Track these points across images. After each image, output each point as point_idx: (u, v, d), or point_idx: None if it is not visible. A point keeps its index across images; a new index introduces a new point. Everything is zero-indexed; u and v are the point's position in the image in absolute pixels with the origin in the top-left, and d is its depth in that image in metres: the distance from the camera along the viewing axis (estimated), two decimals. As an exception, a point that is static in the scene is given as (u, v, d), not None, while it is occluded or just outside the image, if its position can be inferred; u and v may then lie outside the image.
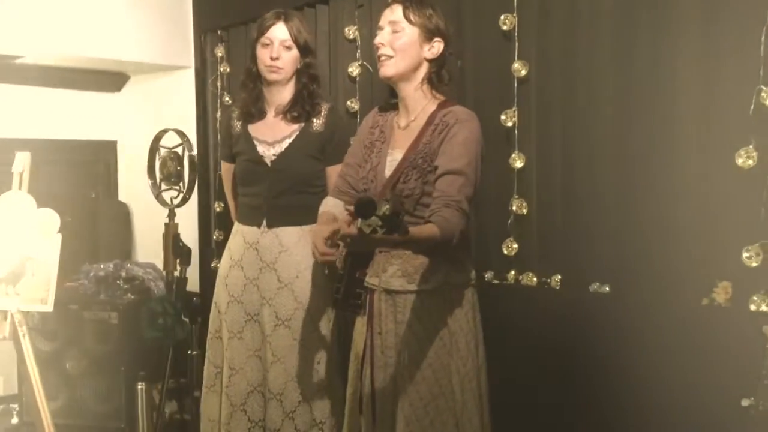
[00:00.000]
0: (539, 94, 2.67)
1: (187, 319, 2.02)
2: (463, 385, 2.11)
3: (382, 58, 2.18)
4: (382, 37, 2.18)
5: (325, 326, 2.67)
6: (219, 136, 2.96)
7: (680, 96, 2.33)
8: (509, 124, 2.71)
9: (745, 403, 2.09)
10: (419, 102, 2.20)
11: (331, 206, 2.29)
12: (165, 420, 2.47)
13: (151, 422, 3.44)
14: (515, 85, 2.70)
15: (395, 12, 2.17)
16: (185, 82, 4.14)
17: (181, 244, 2.23)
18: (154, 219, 4.30)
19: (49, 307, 3.28)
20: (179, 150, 2.28)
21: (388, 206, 1.63)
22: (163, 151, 2.31)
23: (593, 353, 2.48)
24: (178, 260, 2.18)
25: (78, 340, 3.59)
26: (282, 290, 2.64)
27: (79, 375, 3.61)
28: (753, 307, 2.18)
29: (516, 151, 2.71)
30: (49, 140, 4.17)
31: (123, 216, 4.35)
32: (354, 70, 3.24)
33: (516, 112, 2.70)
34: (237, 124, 2.78)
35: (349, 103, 3.27)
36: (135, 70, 4.35)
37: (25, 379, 3.40)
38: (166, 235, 2.21)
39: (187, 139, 2.31)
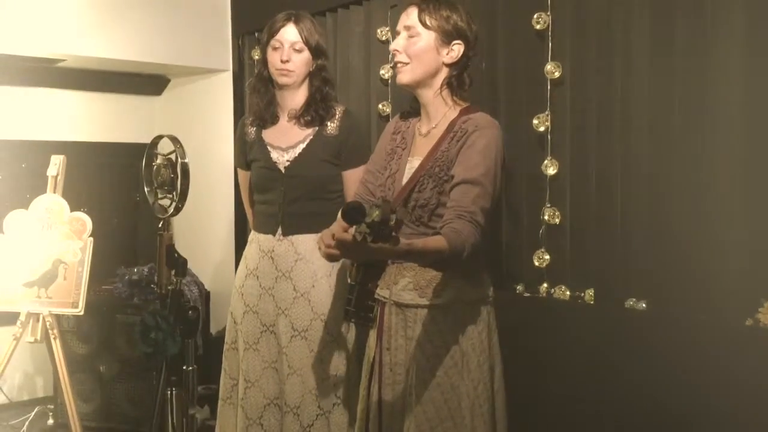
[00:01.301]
0: (573, 97, 2.53)
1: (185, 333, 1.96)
2: (474, 409, 1.98)
3: (398, 65, 2.07)
4: (397, 43, 2.08)
5: (343, 337, 2.58)
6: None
7: (723, 98, 2.16)
8: (542, 128, 2.58)
9: (788, 434, 1.92)
10: (440, 108, 2.09)
11: None
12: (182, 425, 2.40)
13: (181, 428, 3.41)
14: (548, 87, 2.56)
15: (410, 16, 2.06)
16: (224, 85, 4.13)
17: (176, 255, 2.17)
18: (194, 223, 4.33)
19: (79, 311, 3.30)
20: (173, 157, 2.21)
21: (377, 212, 1.52)
22: (158, 158, 2.25)
23: (628, 374, 2.33)
24: (172, 272, 2.12)
25: (111, 343, 3.59)
26: (298, 300, 2.56)
27: (112, 378, 3.61)
28: (801, 329, 2.01)
29: (549, 157, 2.57)
30: (92, 143, 4.21)
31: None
32: (386, 72, 3.15)
33: (549, 116, 2.57)
34: (251, 131, 2.71)
35: (380, 106, 3.18)
36: (175, 74, 4.36)
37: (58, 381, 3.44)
38: (159, 246, 2.15)
39: (180, 146, 2.24)
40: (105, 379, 3.62)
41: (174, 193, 2.17)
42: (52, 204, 3.32)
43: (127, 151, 4.35)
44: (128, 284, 3.60)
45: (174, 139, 2.25)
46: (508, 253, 2.73)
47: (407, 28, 2.06)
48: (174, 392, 3.46)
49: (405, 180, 2.06)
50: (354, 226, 1.59)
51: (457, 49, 2.05)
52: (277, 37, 2.57)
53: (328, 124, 2.60)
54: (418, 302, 2.02)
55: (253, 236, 2.68)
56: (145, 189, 2.31)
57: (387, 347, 2.05)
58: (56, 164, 3.38)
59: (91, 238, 3.31)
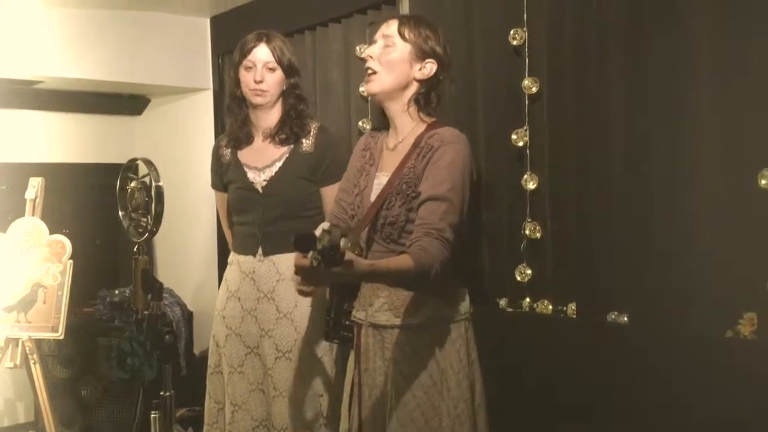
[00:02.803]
0: (551, 111, 2.53)
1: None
2: (454, 428, 1.96)
3: (369, 71, 2.07)
4: (371, 50, 2.08)
5: (328, 357, 2.57)
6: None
7: (699, 111, 2.17)
8: (520, 143, 2.58)
9: (771, 448, 1.91)
10: (407, 123, 2.09)
11: None
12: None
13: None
14: (526, 102, 2.57)
15: (390, 26, 2.07)
16: (204, 104, 4.12)
17: (152, 278, 2.15)
18: (176, 243, 4.30)
19: (59, 335, 3.26)
20: (147, 180, 2.20)
21: (326, 238, 1.51)
22: (133, 182, 2.23)
23: (610, 387, 2.33)
24: (149, 296, 2.10)
25: (93, 367, 3.55)
26: (281, 320, 2.54)
27: (94, 402, 3.57)
28: (781, 340, 2.01)
29: (528, 172, 2.57)
30: (72, 164, 4.18)
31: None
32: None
33: (527, 131, 2.57)
34: (226, 152, 2.70)
35: (360, 123, 3.18)
36: (155, 93, 4.35)
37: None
38: (135, 270, 2.13)
39: (154, 169, 2.23)
40: (87, 404, 3.58)
41: (148, 217, 2.14)
42: (30, 227, 3.29)
43: (108, 171, 4.27)
44: (109, 307, 3.57)
45: (148, 162, 2.24)
46: (490, 269, 2.72)
47: (385, 36, 2.06)
48: (158, 416, 3.44)
49: (373, 197, 2.05)
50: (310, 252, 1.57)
51: (430, 67, 2.05)
52: (250, 57, 2.57)
53: (304, 141, 2.60)
54: (393, 323, 2.01)
55: (233, 258, 2.66)
56: (120, 213, 2.29)
57: (365, 368, 2.03)
58: (35, 186, 3.35)
59: (71, 261, 3.28)
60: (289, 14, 3.56)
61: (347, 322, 2.07)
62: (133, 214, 2.21)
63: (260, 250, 2.57)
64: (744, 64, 2.05)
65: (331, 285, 2.05)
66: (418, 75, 2.05)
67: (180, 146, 4.23)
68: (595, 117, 2.42)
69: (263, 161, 2.61)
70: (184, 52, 4.02)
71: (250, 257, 2.59)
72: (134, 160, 2.35)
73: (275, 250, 2.55)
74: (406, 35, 2.03)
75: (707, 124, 2.15)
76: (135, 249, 2.20)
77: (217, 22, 4.06)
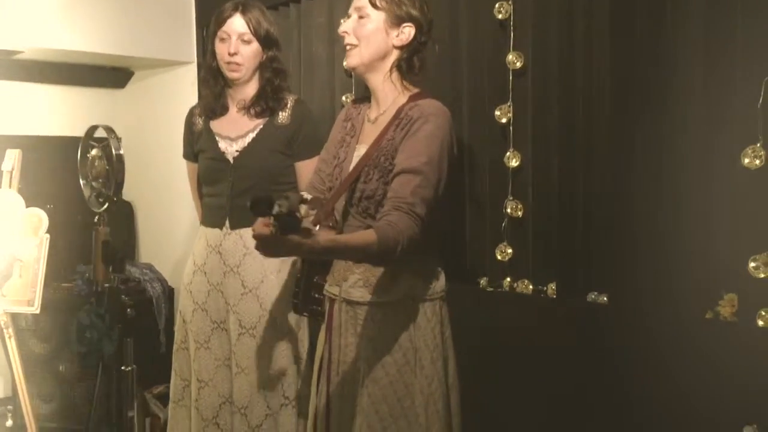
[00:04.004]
0: (536, 88, 2.48)
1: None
2: (428, 407, 1.93)
3: (347, 47, 2.02)
4: (346, 25, 2.02)
5: (294, 334, 2.51)
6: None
7: (683, 89, 2.13)
8: (504, 120, 2.53)
9: (747, 430, 1.88)
10: (389, 94, 2.03)
11: None
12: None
13: (143, 428, 3.34)
14: (510, 78, 2.51)
15: None
16: (189, 77, 4.05)
17: (113, 251, 2.10)
18: (159, 218, 4.25)
19: (35, 309, 3.20)
20: (108, 148, 2.13)
21: (285, 203, 1.45)
22: (93, 150, 2.17)
23: (589, 367, 2.30)
24: (110, 268, 2.04)
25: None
26: (246, 296, 2.48)
27: (72, 378, 3.53)
28: (761, 323, 1.98)
29: (511, 149, 2.53)
30: (53, 137, 4.11)
31: (126, 215, 4.27)
32: (349, 63, 3.08)
33: (511, 107, 2.52)
34: (199, 121, 2.64)
35: (344, 98, 3.12)
36: (139, 66, 4.27)
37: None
38: (95, 241, 2.07)
39: (115, 136, 2.16)
40: (65, 379, 3.54)
41: (109, 186, 2.08)
42: (6, 200, 3.23)
43: (90, 145, 4.26)
44: (87, 282, 3.52)
45: (109, 129, 2.16)
46: (471, 247, 2.68)
47: (357, 9, 2.01)
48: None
49: (351, 169, 2.00)
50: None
51: (408, 31, 1.99)
52: (224, 28, 2.50)
53: (280, 113, 2.53)
54: (367, 299, 1.96)
55: (201, 231, 2.61)
56: (81, 181, 2.22)
57: (337, 345, 1.99)
58: (11, 159, 3.28)
59: (47, 235, 3.22)
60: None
61: (317, 296, 2.02)
62: (93, 183, 2.14)
63: (227, 223, 2.50)
64: (729, 42, 2.01)
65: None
66: (397, 41, 2.00)
67: (164, 120, 4.16)
68: (580, 94, 2.37)
69: (236, 131, 2.54)
70: (167, 24, 3.94)
71: (217, 230, 2.53)
72: (95, 127, 2.27)
73: (243, 223, 2.47)
74: (378, 3, 1.97)
75: (691, 104, 2.11)
76: (96, 219, 2.13)
77: (201, -6, 3.97)
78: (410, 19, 1.98)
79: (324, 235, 1.62)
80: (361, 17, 1.99)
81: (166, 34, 3.94)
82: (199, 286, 2.55)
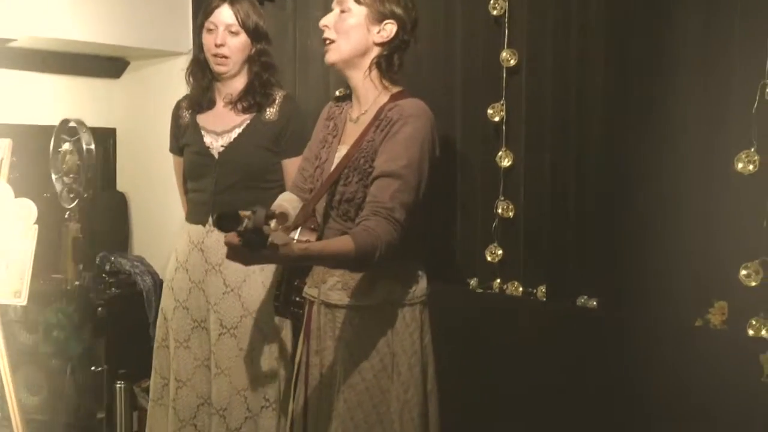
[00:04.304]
0: (530, 86, 2.44)
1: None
2: (403, 414, 1.88)
3: (326, 42, 1.96)
4: (327, 19, 1.96)
5: (277, 336, 2.45)
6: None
7: (678, 91, 2.09)
8: (496, 118, 2.49)
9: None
10: (370, 92, 1.97)
11: (286, 200, 2.09)
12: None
13: (129, 422, 3.31)
14: (504, 76, 2.47)
15: None
16: (185, 68, 3.99)
17: (84, 248, 2.06)
18: (153, 210, 4.21)
19: (22, 301, 3.15)
20: (79, 142, 2.08)
21: (249, 220, 1.41)
22: (65, 144, 2.12)
23: (578, 371, 2.27)
24: (81, 267, 2.00)
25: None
26: (228, 295, 2.42)
27: (60, 369, 3.49)
28: (751, 332, 1.94)
29: (503, 149, 2.49)
30: (46, 126, 4.06)
31: (120, 206, 4.23)
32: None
33: (504, 105, 2.48)
34: (185, 114, 2.59)
35: (338, 93, 3.07)
36: (135, 56, 4.22)
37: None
38: (65, 238, 2.03)
39: (87, 130, 2.11)
40: (54, 371, 3.50)
41: (80, 181, 2.02)
42: (-5, 189, 3.19)
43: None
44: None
45: (80, 123, 2.10)
46: (462, 247, 2.65)
47: (339, 3, 1.95)
48: (123, 386, 3.38)
49: (332, 171, 1.95)
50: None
51: (389, 28, 1.93)
52: (212, 18, 2.45)
53: (267, 109, 2.48)
54: (346, 302, 1.91)
55: (185, 227, 2.56)
56: (52, 176, 2.17)
57: (316, 349, 1.94)
58: (1, 149, 3.25)
59: (36, 226, 3.18)
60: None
61: (297, 299, 1.98)
62: (65, 178, 2.09)
63: (210, 220, 2.45)
64: (725, 46, 1.98)
65: None
66: (378, 38, 1.94)
67: (159, 111, 4.09)
68: (575, 94, 2.33)
69: (222, 126, 2.49)
70: (163, 14, 3.89)
71: (200, 227, 2.47)
72: (67, 120, 2.21)
73: None
74: None
75: (687, 102, 2.07)
76: (66, 215, 2.08)
77: (198, -15, 3.93)
78: (393, 16, 1.93)
79: (293, 245, 1.57)
80: (342, 11, 1.94)
81: (162, 24, 3.89)
82: (181, 284, 2.51)
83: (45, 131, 3.98)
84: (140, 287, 3.57)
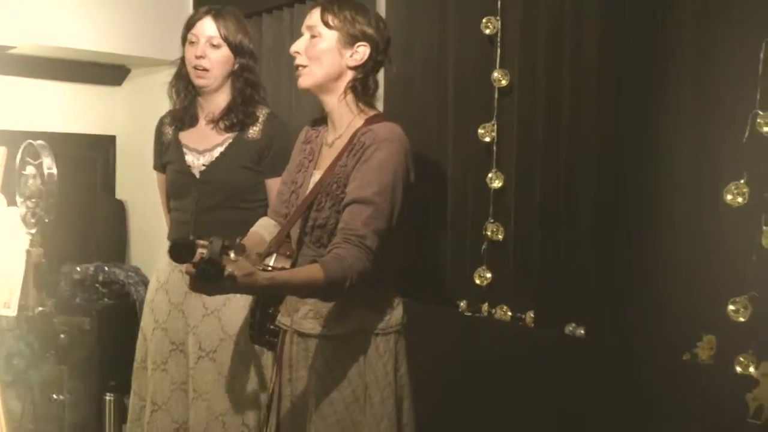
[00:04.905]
0: (521, 107, 2.38)
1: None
2: (374, 448, 1.84)
3: (298, 68, 1.93)
4: (297, 45, 1.93)
5: (257, 360, 2.39)
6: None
7: (669, 117, 2.02)
8: (487, 139, 2.44)
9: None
10: (345, 116, 1.93)
11: (262, 227, 2.06)
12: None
13: (119, 435, 3.30)
14: (495, 96, 2.42)
15: (313, 16, 1.91)
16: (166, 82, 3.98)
17: (44, 274, 2.02)
18: (151, 219, 4.19)
19: (12, 312, 3.14)
20: (41, 167, 2.05)
21: (208, 250, 1.38)
22: (28, 167, 2.09)
23: (563, 401, 2.21)
24: (44, 294, 1.97)
25: (53, 340, 3.45)
26: (208, 318, 2.38)
27: (53, 378, 3.48)
28: (738, 369, 1.87)
29: (494, 170, 2.44)
30: (47, 133, 4.05)
31: (119, 214, 4.23)
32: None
33: (495, 126, 2.43)
34: (168, 131, 2.55)
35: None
36: (135, 64, 4.22)
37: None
38: (27, 264, 2.00)
39: (49, 154, 2.07)
40: (45, 382, 3.48)
41: (41, 206, 1.99)
42: (-13, 198, 3.18)
43: (85, 142, 4.22)
44: (71, 283, 3.48)
45: (42, 147, 2.06)
46: (451, 269, 2.60)
47: (309, 28, 1.91)
48: (113, 398, 3.36)
49: (306, 196, 1.91)
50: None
51: (362, 51, 1.89)
52: (194, 30, 2.41)
53: (250, 128, 2.44)
54: (318, 331, 1.87)
55: (166, 246, 2.53)
56: (17, 199, 2.14)
57: (288, 378, 1.90)
58: (-4, 157, 3.24)
59: (27, 236, 3.17)
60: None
61: (272, 327, 1.94)
62: (28, 202, 2.05)
63: (190, 238, 2.41)
64: (717, 74, 1.91)
65: None
66: (351, 62, 1.90)
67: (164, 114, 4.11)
68: (567, 115, 2.27)
69: (204, 144, 2.45)
70: (164, 23, 3.88)
71: None
72: (30, 143, 2.16)
73: None
74: (331, 22, 1.88)
75: (677, 133, 2.01)
76: (29, 240, 2.04)
77: (199, -6, 3.91)
78: (365, 38, 1.89)
79: (257, 275, 1.53)
80: (313, 36, 1.90)
81: (163, 33, 3.87)
82: (161, 305, 2.47)
83: (45, 138, 3.99)
84: (133, 298, 3.56)
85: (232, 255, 1.41)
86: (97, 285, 3.49)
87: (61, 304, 3.46)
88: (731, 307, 1.86)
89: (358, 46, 1.89)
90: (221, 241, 1.41)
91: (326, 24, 1.88)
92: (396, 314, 1.93)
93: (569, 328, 2.26)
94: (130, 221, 4.28)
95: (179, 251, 1.40)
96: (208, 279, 1.40)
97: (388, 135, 1.83)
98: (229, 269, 1.42)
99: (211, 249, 1.38)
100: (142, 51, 3.89)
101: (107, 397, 3.30)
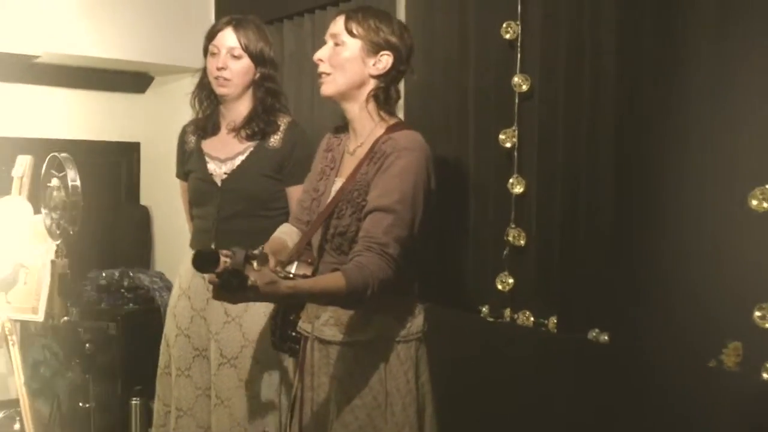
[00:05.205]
0: (542, 111, 2.37)
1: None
2: (396, 456, 1.84)
3: (321, 75, 1.93)
4: (321, 52, 1.93)
5: (278, 366, 2.41)
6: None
7: (692, 122, 2.00)
8: (508, 144, 2.43)
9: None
10: (366, 125, 1.93)
11: (284, 233, 2.07)
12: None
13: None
14: (516, 101, 2.41)
15: (337, 24, 1.92)
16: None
17: (71, 284, 2.04)
18: (175, 225, 4.23)
19: (39, 317, 3.18)
20: (65, 179, 2.07)
21: (231, 261, 1.39)
22: (53, 180, 2.11)
23: (587, 408, 2.19)
24: (68, 303, 1.99)
25: (78, 349, 3.50)
26: (229, 324, 2.39)
27: (79, 385, 3.52)
28: (765, 376, 1.85)
29: (515, 175, 2.43)
30: (71, 141, 4.11)
31: (143, 221, 4.27)
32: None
33: (516, 131, 2.42)
34: (191, 139, 2.57)
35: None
36: (159, 72, 4.26)
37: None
38: (52, 274, 2.02)
39: (73, 167, 2.10)
40: (71, 386, 3.53)
41: (66, 218, 2.01)
42: (15, 206, 3.22)
43: (109, 149, 4.28)
44: (97, 289, 3.52)
45: (66, 159, 2.09)
46: (473, 274, 2.59)
47: (333, 36, 1.92)
48: (139, 403, 3.39)
49: (327, 204, 1.92)
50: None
51: (385, 60, 1.90)
52: (215, 41, 2.43)
53: (272, 136, 2.45)
54: (339, 338, 1.87)
55: (188, 253, 2.55)
56: (42, 211, 2.17)
57: (310, 385, 1.91)
58: (22, 165, 3.27)
59: (54, 244, 3.21)
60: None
61: (294, 333, 1.95)
62: (53, 214, 2.08)
63: (213, 248, 2.43)
64: (738, 79, 1.89)
65: None
66: (374, 71, 1.90)
67: (183, 125, 4.15)
68: (587, 120, 2.26)
69: (226, 152, 2.47)
70: (187, 30, 3.91)
71: None
72: (55, 156, 2.19)
73: (230, 248, 2.40)
74: (355, 31, 1.88)
75: (701, 138, 1.98)
76: (54, 251, 2.07)
77: (221, 1, 3.94)
78: (388, 47, 1.89)
79: (280, 284, 1.54)
80: (336, 44, 1.90)
81: (186, 41, 3.90)
82: (183, 311, 2.49)
83: (70, 146, 4.05)
84: (158, 303, 3.59)
85: (255, 265, 1.42)
86: (122, 290, 3.53)
87: (87, 310, 3.51)
88: (758, 314, 1.84)
89: (382, 55, 1.89)
90: (244, 251, 1.43)
91: (350, 32, 1.88)
92: (417, 321, 1.93)
93: (593, 334, 2.24)
94: (154, 227, 4.32)
95: (203, 261, 1.41)
96: (232, 289, 1.41)
97: (408, 143, 1.84)
98: (252, 279, 1.43)
99: (235, 259, 1.39)
100: (165, 59, 3.93)
101: (133, 402, 3.32)
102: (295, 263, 1.89)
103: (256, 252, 1.45)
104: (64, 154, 2.20)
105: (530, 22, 2.39)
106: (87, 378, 1.95)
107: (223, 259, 1.47)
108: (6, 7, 3.39)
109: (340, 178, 1.95)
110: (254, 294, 1.47)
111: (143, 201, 4.37)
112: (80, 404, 2.03)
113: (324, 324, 1.90)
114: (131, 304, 3.52)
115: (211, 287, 1.93)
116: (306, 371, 1.93)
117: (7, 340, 3.17)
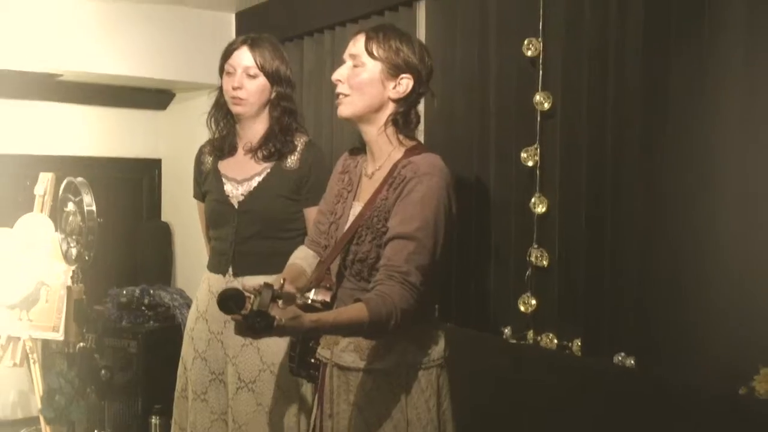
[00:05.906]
0: (564, 130, 2.33)
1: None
2: (417, 488, 1.79)
3: (339, 96, 1.89)
4: (339, 73, 1.89)
5: (297, 390, 2.37)
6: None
7: (719, 136, 1.95)
8: (530, 163, 2.39)
9: None
10: (384, 148, 1.89)
11: (300, 258, 2.04)
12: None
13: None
14: (538, 119, 2.37)
15: (357, 44, 1.87)
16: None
17: (86, 310, 2.03)
18: (196, 242, 4.22)
19: (60, 336, 3.19)
20: (82, 204, 2.06)
21: (256, 301, 1.36)
22: (69, 204, 2.10)
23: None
24: (84, 329, 1.97)
25: (94, 376, 3.48)
26: (246, 348, 2.36)
27: (94, 411, 3.50)
28: (799, 404, 1.78)
29: (537, 194, 2.38)
30: (93, 158, 4.13)
31: (164, 238, 4.27)
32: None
33: (538, 149, 2.38)
34: (208, 160, 2.55)
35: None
36: (180, 88, 4.27)
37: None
38: (68, 300, 2.00)
39: (89, 192, 2.08)
40: (92, 404, 3.52)
41: (82, 242, 2.00)
42: (36, 224, 3.24)
43: (131, 166, 4.29)
44: (117, 306, 3.51)
45: (83, 184, 2.07)
46: (495, 295, 2.55)
47: (352, 56, 1.87)
48: (158, 422, 3.38)
49: (346, 229, 1.88)
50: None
51: (405, 83, 1.85)
52: (230, 61, 2.42)
53: (289, 157, 2.43)
54: (359, 365, 1.83)
55: (205, 275, 2.53)
56: (59, 235, 2.16)
57: (329, 413, 1.86)
58: (44, 183, 3.29)
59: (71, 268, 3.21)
60: (313, 12, 3.43)
61: (313, 360, 1.92)
62: (69, 239, 2.07)
63: (231, 270, 2.41)
64: (766, 97, 1.83)
65: None
66: (393, 94, 1.86)
67: (204, 142, 4.15)
68: (611, 137, 2.21)
69: (243, 174, 2.45)
70: (208, 47, 3.90)
71: (219, 276, 2.43)
72: (71, 181, 2.17)
73: (247, 271, 2.37)
74: (375, 52, 1.84)
75: (729, 148, 1.93)
76: (70, 277, 2.06)
77: (242, 18, 3.95)
78: (409, 69, 1.85)
79: (303, 318, 1.52)
80: (356, 65, 1.86)
81: (206, 58, 3.88)
82: (200, 334, 2.47)
83: (91, 163, 4.07)
84: (178, 320, 3.58)
85: (280, 303, 1.39)
86: (143, 308, 3.52)
87: (107, 327, 3.51)
88: (790, 340, 1.78)
89: (402, 78, 1.85)
90: (271, 291, 1.39)
91: (370, 54, 1.84)
92: (438, 348, 1.88)
93: (618, 358, 2.19)
94: (175, 244, 4.32)
95: (228, 303, 1.38)
96: (258, 330, 1.39)
97: (429, 168, 1.79)
98: (277, 317, 1.40)
99: (261, 300, 1.36)
100: (186, 76, 3.94)
101: (153, 420, 3.31)
102: (313, 290, 1.86)
103: (280, 290, 1.42)
104: (80, 179, 2.19)
105: (552, 38, 2.35)
106: (103, 404, 1.91)
107: (247, 294, 1.44)
108: (29, 27, 3.42)
109: (358, 203, 1.91)
110: (279, 332, 1.45)
111: (164, 217, 4.37)
112: (96, 431, 2.00)
113: (343, 350, 1.86)
114: (152, 322, 3.51)
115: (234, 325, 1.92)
116: (325, 398, 1.89)
117: (29, 359, 3.18)
